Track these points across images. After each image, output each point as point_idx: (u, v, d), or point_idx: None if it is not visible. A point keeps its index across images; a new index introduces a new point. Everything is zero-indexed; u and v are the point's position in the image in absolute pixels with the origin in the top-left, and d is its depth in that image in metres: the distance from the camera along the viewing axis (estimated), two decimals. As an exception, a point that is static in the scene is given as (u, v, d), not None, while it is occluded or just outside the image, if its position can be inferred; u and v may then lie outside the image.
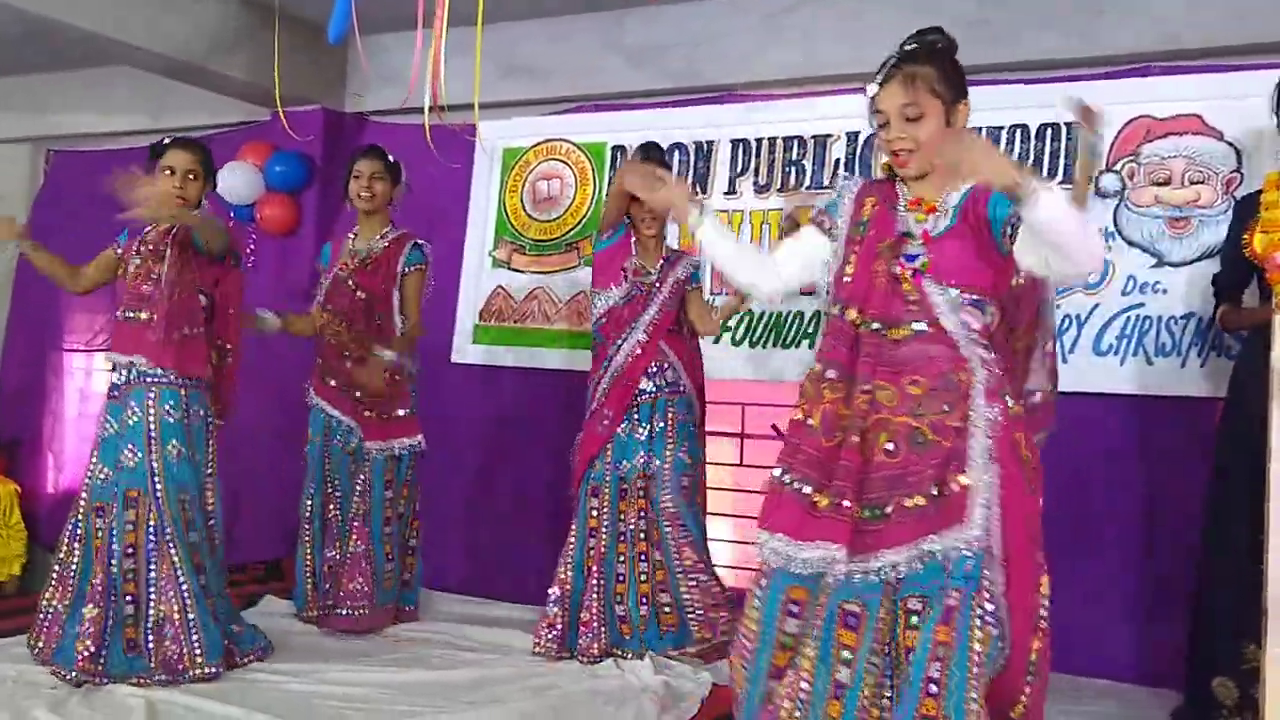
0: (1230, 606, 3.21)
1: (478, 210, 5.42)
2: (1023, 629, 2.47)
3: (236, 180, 5.57)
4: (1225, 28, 4.10)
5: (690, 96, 5.05)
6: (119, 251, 3.95)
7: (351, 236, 4.46)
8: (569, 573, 4.10)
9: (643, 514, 4.08)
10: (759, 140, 4.84)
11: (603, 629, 3.99)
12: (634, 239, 4.20)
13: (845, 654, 2.41)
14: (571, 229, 5.22)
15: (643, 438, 4.12)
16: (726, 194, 4.87)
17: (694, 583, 4.03)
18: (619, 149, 5.13)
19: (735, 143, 4.87)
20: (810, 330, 4.64)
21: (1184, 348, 4.06)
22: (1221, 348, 3.98)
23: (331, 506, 4.42)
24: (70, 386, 6.61)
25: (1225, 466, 3.34)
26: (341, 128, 5.73)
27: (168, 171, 3.76)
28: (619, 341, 4.12)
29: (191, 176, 3.79)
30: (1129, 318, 4.16)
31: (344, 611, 4.25)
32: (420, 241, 4.42)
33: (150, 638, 3.51)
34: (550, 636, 4.04)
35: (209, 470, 3.76)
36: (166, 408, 3.66)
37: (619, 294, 4.14)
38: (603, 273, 4.18)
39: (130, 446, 3.62)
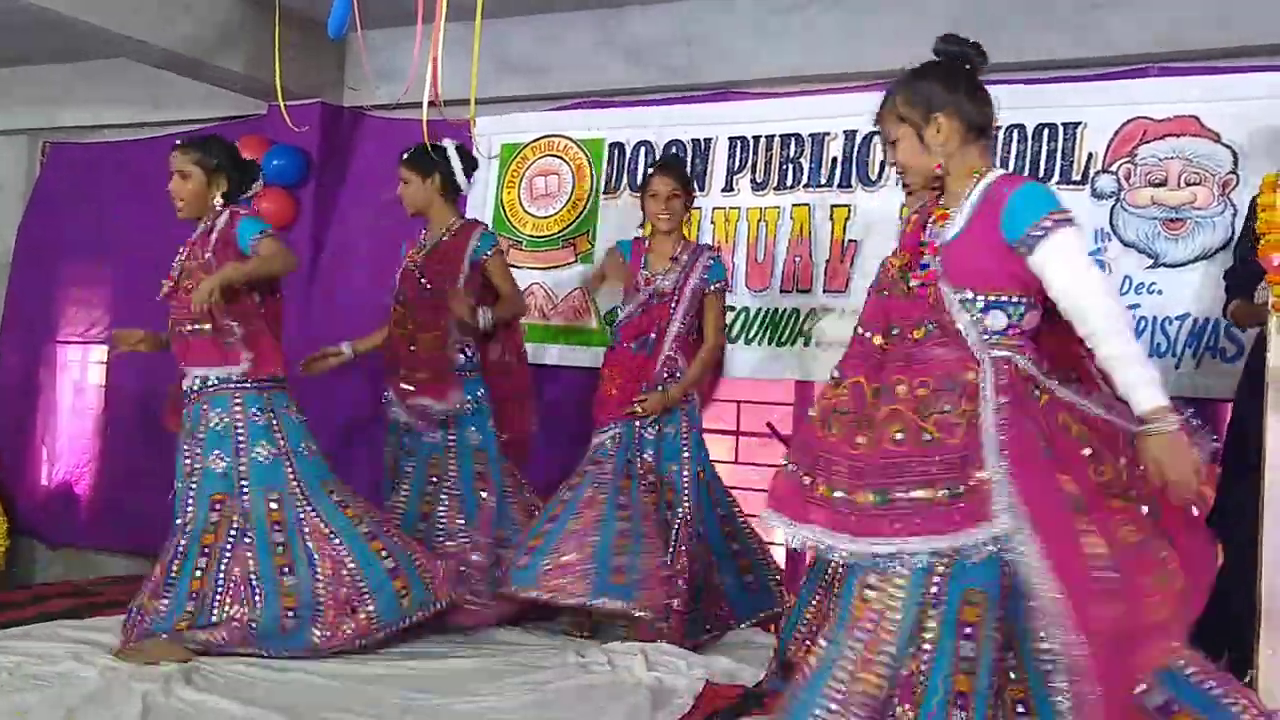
0: (1240, 608, 3.21)
1: (475, 206, 5.41)
2: (1080, 602, 2.32)
3: (234, 174, 5.56)
4: (1223, 29, 4.11)
5: (688, 94, 5.05)
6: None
7: (425, 231, 4.46)
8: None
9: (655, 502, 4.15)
10: (757, 138, 4.84)
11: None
12: (646, 245, 4.27)
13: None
14: (568, 225, 5.22)
15: (651, 436, 4.19)
16: (724, 191, 4.87)
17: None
18: (616, 145, 5.14)
19: (733, 140, 4.88)
20: (805, 328, 4.65)
21: (1179, 348, 4.07)
22: (1217, 349, 4.00)
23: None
24: (64, 380, 6.60)
25: (1233, 467, 3.34)
26: (339, 122, 5.72)
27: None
28: (634, 345, 4.21)
29: (181, 176, 3.80)
30: (1124, 318, 4.17)
31: None
32: (487, 228, 4.47)
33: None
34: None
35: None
36: (253, 411, 3.81)
37: (633, 305, 4.22)
38: None
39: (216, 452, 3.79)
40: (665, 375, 4.18)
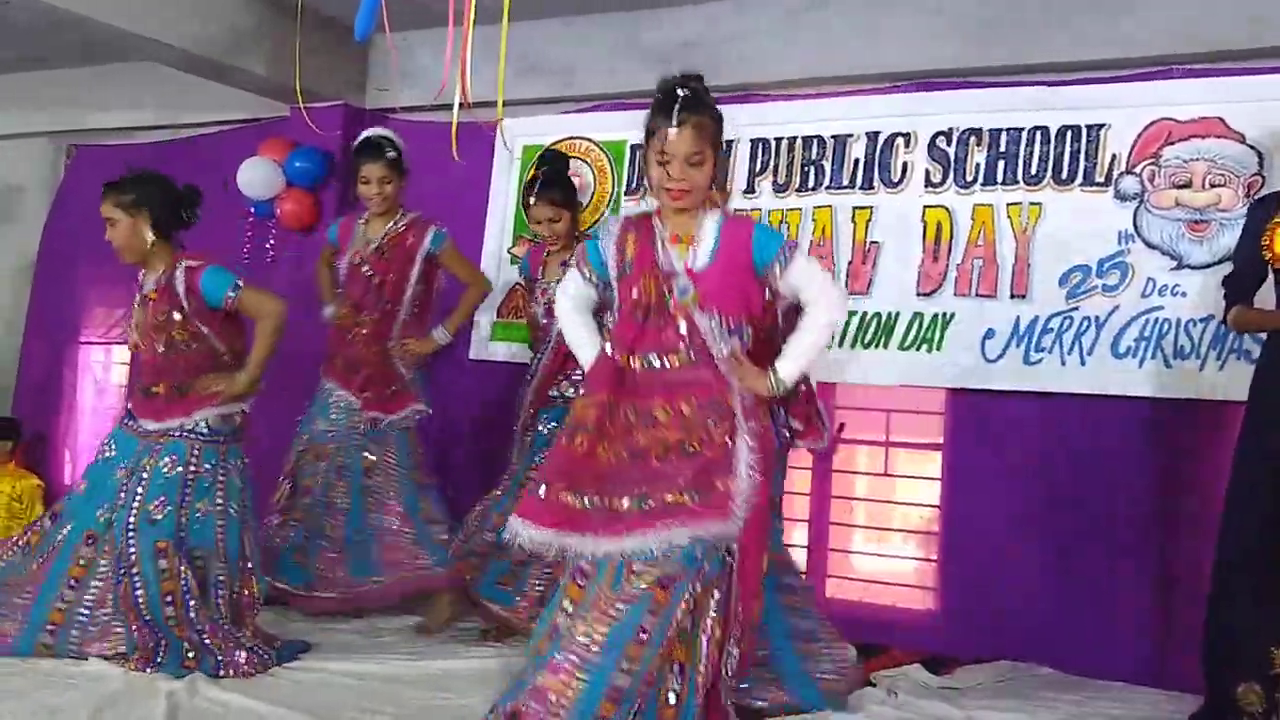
0: (1253, 611, 3.20)
1: (496, 207, 5.43)
2: (749, 604, 2.91)
3: (256, 176, 5.60)
4: (1247, 30, 4.09)
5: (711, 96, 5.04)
6: None
7: (363, 222, 4.51)
8: None
9: None
10: (778, 140, 4.84)
11: None
12: (546, 251, 4.39)
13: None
14: (590, 227, 5.21)
15: None
16: (745, 193, 4.87)
17: None
18: (639, 148, 5.12)
19: (754, 142, 4.87)
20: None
21: (1203, 351, 4.05)
22: (1241, 351, 3.97)
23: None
24: (87, 380, 6.64)
25: (1246, 470, 3.33)
26: (361, 124, 5.71)
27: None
28: (539, 354, 4.34)
29: (110, 224, 3.70)
30: (1148, 320, 4.15)
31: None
32: (435, 225, 4.50)
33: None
34: None
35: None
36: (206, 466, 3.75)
37: (541, 312, 4.33)
38: None
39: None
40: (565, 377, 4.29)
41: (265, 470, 4.98)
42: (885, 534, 4.84)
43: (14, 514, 5.98)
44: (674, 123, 2.83)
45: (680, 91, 2.85)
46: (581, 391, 3.04)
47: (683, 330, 2.87)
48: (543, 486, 2.87)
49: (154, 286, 3.72)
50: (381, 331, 4.44)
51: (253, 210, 5.75)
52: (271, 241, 5.80)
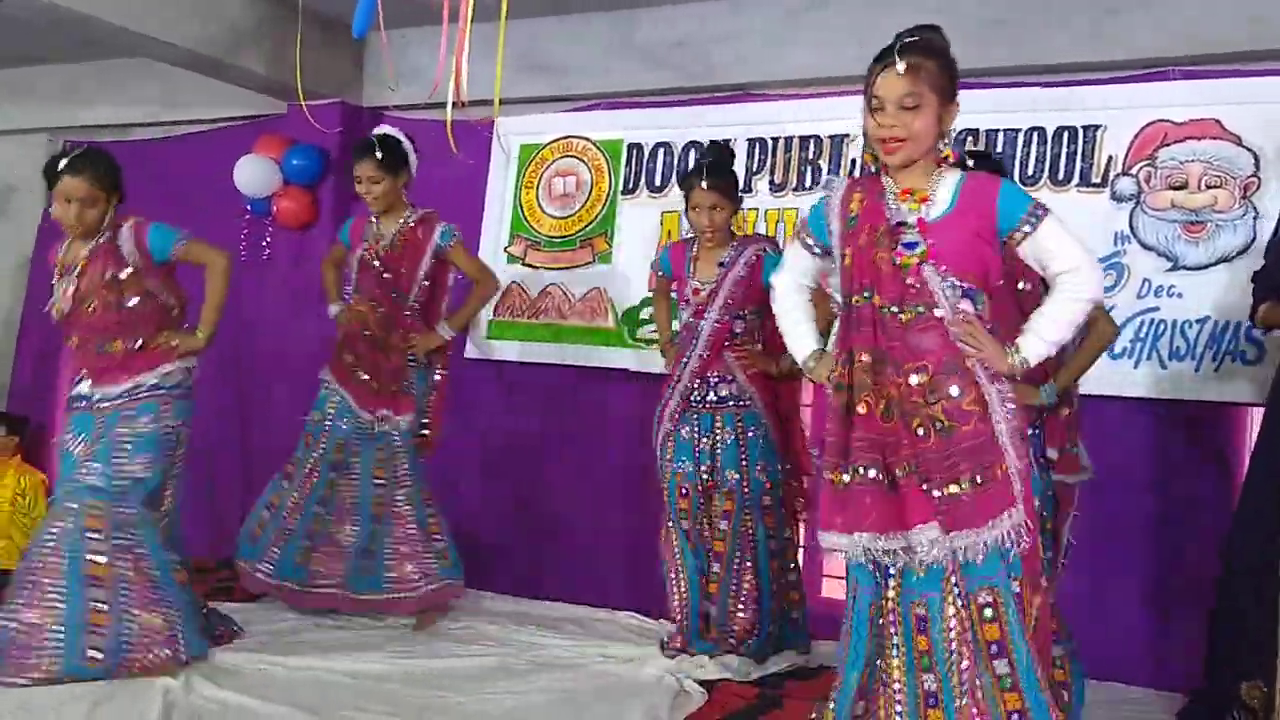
0: (1260, 610, 3.20)
1: (493, 206, 5.43)
2: (1030, 591, 2.59)
3: (253, 173, 5.59)
4: (1244, 32, 4.09)
5: (707, 95, 5.06)
6: None
7: (374, 219, 4.51)
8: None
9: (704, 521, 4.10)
10: (775, 139, 4.84)
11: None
12: (690, 253, 4.16)
13: (922, 659, 2.52)
14: (587, 225, 5.23)
15: (705, 448, 4.08)
16: (743, 192, 4.85)
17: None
18: (635, 146, 5.14)
19: (752, 142, 4.88)
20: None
21: (1198, 352, 4.06)
22: (1236, 353, 3.98)
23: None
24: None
25: (1262, 470, 3.33)
26: (359, 121, 5.73)
27: (63, 200, 3.67)
28: (684, 357, 4.10)
29: (87, 204, 3.66)
30: (1143, 321, 4.16)
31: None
32: (445, 222, 4.51)
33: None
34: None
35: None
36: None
37: (686, 315, 4.15)
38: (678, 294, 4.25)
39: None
40: (704, 380, 4.09)
41: (263, 468, 5.00)
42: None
43: (18, 508, 5.97)
44: (884, 64, 2.57)
45: (902, 39, 2.59)
46: (833, 350, 2.73)
47: (910, 285, 2.56)
48: (834, 474, 2.60)
49: (91, 249, 3.72)
50: (390, 325, 4.44)
51: (249, 208, 5.74)
52: (268, 239, 5.79)
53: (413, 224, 4.46)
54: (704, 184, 4.00)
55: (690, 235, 4.24)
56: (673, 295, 4.31)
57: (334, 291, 4.64)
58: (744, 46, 4.94)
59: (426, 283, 4.49)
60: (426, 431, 4.57)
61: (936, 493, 2.49)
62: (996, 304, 2.68)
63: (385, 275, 4.44)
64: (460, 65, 3.22)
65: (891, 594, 2.57)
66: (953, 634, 2.48)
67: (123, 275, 3.70)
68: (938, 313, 2.55)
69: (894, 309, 2.57)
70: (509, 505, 5.26)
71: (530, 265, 5.32)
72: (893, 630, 2.55)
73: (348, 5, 3.76)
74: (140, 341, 3.73)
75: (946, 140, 2.63)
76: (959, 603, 2.49)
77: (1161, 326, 4.12)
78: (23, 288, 6.76)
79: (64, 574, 3.48)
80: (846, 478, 2.58)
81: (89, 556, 3.51)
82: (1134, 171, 4.22)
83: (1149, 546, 4.13)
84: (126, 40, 4.90)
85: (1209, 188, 4.10)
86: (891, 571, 2.57)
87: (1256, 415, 4.03)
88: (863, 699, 2.62)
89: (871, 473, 2.55)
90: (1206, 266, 4.08)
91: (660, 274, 4.32)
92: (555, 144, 5.34)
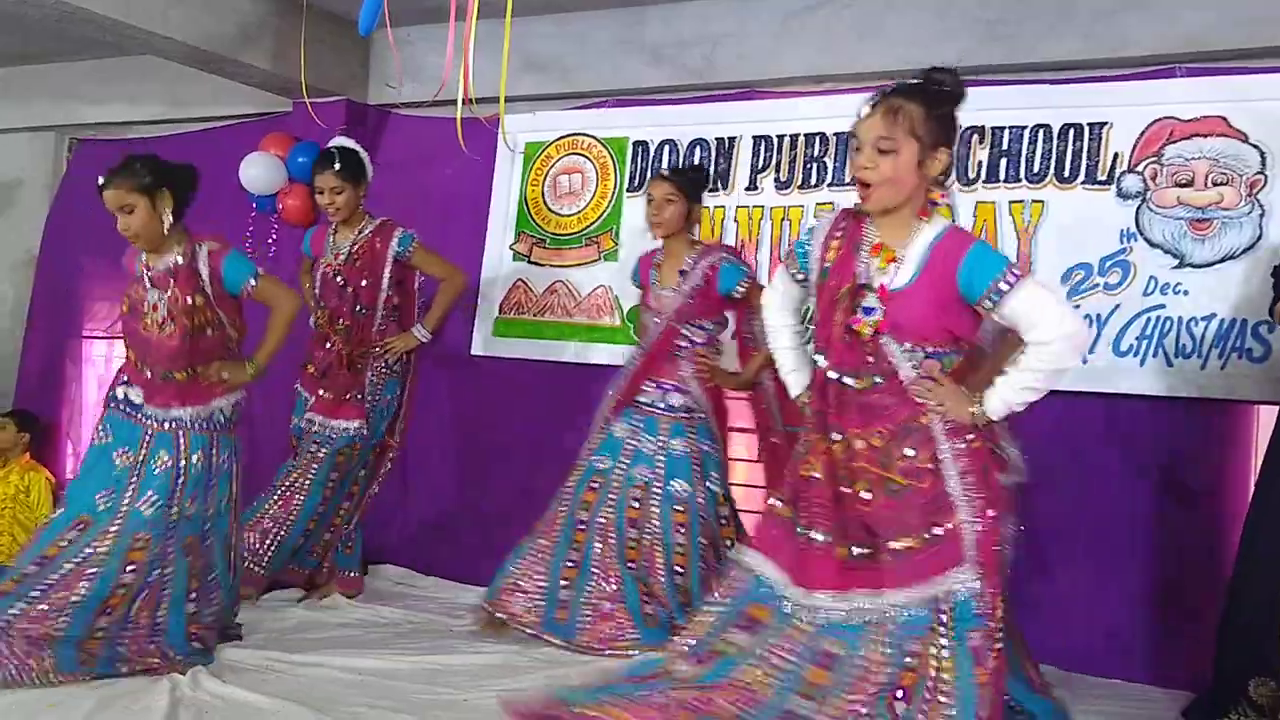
0: (1272, 609, 3.20)
1: (499, 204, 5.43)
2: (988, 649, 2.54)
3: (258, 171, 5.60)
4: (1250, 30, 4.08)
5: (712, 93, 5.05)
6: None
7: (332, 231, 4.57)
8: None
9: (633, 524, 4.06)
10: (780, 137, 4.84)
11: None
12: (655, 260, 4.23)
13: (811, 689, 2.52)
14: (592, 223, 5.23)
15: (647, 452, 4.09)
16: (748, 190, 4.87)
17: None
18: (640, 144, 5.14)
19: (757, 139, 4.87)
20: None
21: (1205, 349, 4.05)
22: (1243, 349, 3.98)
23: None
24: (89, 373, 6.65)
25: (1276, 471, 3.33)
26: (364, 119, 5.74)
27: (111, 214, 3.57)
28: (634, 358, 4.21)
29: (126, 211, 3.54)
30: (1149, 318, 4.15)
31: None
32: (402, 228, 4.51)
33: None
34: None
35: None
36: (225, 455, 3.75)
37: (650, 317, 4.21)
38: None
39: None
40: (658, 385, 4.10)
41: (268, 466, 5.01)
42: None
43: (23, 505, 5.99)
44: (867, 105, 2.56)
45: (902, 83, 2.58)
46: (809, 415, 2.73)
47: (869, 350, 2.58)
48: (785, 512, 2.67)
49: (170, 268, 3.59)
50: (357, 339, 4.48)
51: (255, 205, 5.75)
52: (274, 237, 5.80)
53: (369, 234, 4.48)
54: (660, 176, 4.14)
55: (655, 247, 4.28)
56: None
57: (311, 302, 4.63)
58: (749, 44, 4.94)
59: (393, 291, 4.52)
60: (389, 438, 4.65)
61: (883, 553, 2.54)
62: (965, 354, 2.67)
63: (346, 289, 4.46)
64: (467, 63, 3.23)
65: (804, 624, 2.59)
66: (858, 676, 2.49)
67: (198, 301, 3.58)
68: (900, 374, 2.56)
69: (848, 379, 2.61)
70: (513, 503, 5.26)
71: (536, 263, 5.32)
72: (785, 653, 2.57)
73: (353, 2, 3.77)
74: (195, 372, 3.63)
75: (935, 188, 2.62)
76: (884, 650, 2.50)
77: (1168, 324, 4.11)
78: (29, 283, 6.77)
79: (85, 597, 3.39)
80: (797, 525, 2.64)
81: (117, 588, 3.45)
82: (1140, 169, 4.21)
83: (1155, 544, 4.12)
84: (132, 37, 4.91)
85: (1215, 185, 4.09)
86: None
87: (1264, 413, 4.03)
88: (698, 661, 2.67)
89: (817, 536, 2.61)
90: (1213, 264, 4.07)
91: (636, 287, 4.40)
92: (561, 142, 5.34)
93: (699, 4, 5.02)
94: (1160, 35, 4.23)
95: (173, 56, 5.25)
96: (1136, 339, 4.15)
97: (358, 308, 4.47)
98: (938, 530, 2.50)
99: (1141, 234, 4.19)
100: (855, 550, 2.57)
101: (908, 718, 2.44)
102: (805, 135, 4.80)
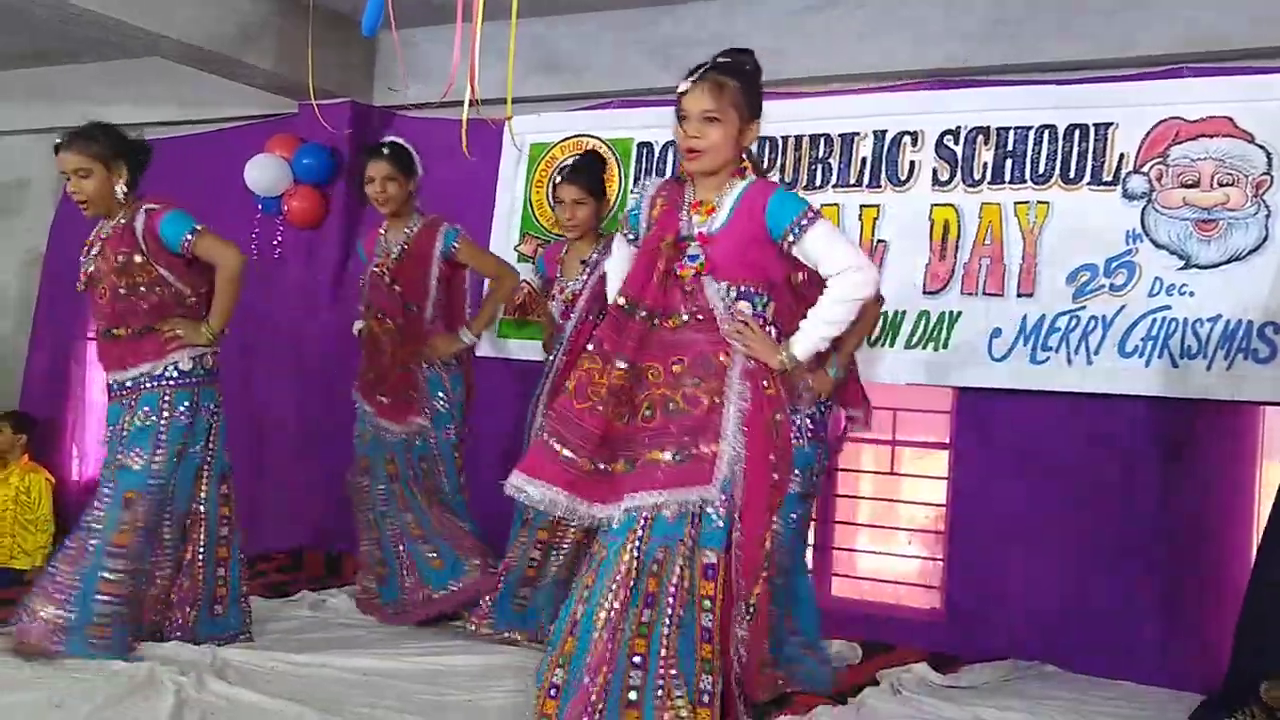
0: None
1: (504, 205, 5.44)
2: (748, 579, 2.83)
3: (264, 172, 5.61)
4: (1257, 30, 4.08)
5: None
6: None
7: (383, 232, 4.50)
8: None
9: None
10: (785, 138, 4.84)
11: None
12: (561, 254, 4.37)
13: (585, 592, 2.83)
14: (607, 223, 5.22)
15: None
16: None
17: None
18: (645, 145, 5.14)
19: (762, 140, 4.86)
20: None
21: (1210, 350, 4.04)
22: (1249, 350, 3.97)
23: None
24: (94, 376, 6.65)
25: None
26: (369, 121, 5.75)
27: (63, 176, 3.65)
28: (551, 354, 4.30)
29: (81, 175, 3.62)
30: (1155, 320, 4.14)
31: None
32: (448, 224, 4.46)
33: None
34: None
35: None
36: (180, 409, 3.75)
37: (557, 310, 4.31)
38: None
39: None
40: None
41: (273, 465, 5.01)
42: (891, 533, 4.84)
43: (22, 506, 5.99)
44: (692, 80, 2.82)
45: (714, 59, 2.85)
46: (590, 347, 2.95)
47: (687, 291, 2.82)
48: (551, 439, 2.83)
49: (110, 231, 3.68)
50: (408, 338, 4.40)
51: (260, 207, 5.76)
52: (279, 238, 5.81)
53: (418, 231, 4.42)
54: (566, 180, 4.26)
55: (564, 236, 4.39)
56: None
57: (363, 308, 4.58)
58: (753, 45, 4.89)
59: (440, 287, 4.44)
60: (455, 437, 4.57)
61: (634, 464, 2.80)
62: (777, 299, 2.94)
63: (396, 288, 4.39)
64: (474, 64, 3.23)
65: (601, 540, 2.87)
66: (616, 578, 2.76)
67: (136, 259, 3.63)
68: (712, 313, 2.80)
69: (659, 318, 2.83)
70: (515, 504, 5.26)
71: (540, 264, 5.32)
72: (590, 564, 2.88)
73: (357, 3, 3.77)
74: (146, 329, 3.67)
75: (746, 154, 2.94)
76: (633, 553, 2.76)
77: (1173, 325, 4.11)
78: (34, 284, 6.78)
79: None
80: (559, 448, 2.83)
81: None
82: (1146, 169, 4.20)
83: (1162, 545, 4.11)
84: (136, 37, 4.92)
85: (1221, 186, 4.09)
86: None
87: (1270, 413, 4.03)
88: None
89: (579, 459, 2.81)
90: (1219, 265, 4.06)
91: (540, 278, 4.52)
92: (566, 143, 5.35)
93: (704, 4, 5.03)
94: (1166, 35, 4.22)
95: (178, 57, 5.26)
96: (1142, 340, 4.14)
97: (407, 305, 4.39)
98: (694, 451, 2.75)
99: (1147, 235, 4.19)
100: (602, 465, 2.82)
101: (649, 621, 2.71)
102: (810, 136, 4.80)
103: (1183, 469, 4.10)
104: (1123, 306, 4.18)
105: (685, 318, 2.82)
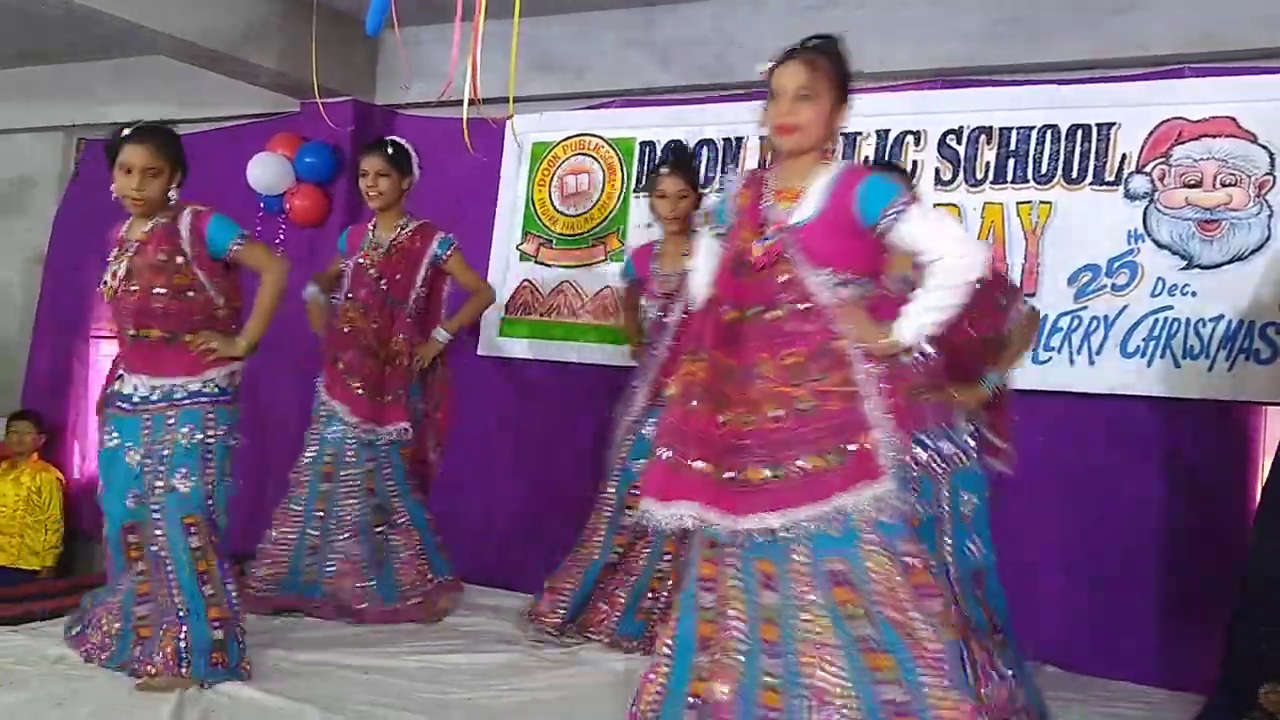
0: None
1: (505, 204, 5.44)
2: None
3: (266, 171, 5.61)
4: (1259, 30, 4.07)
5: (720, 93, 5.05)
6: None
7: (371, 227, 4.51)
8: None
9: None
10: (788, 137, 4.83)
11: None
12: (655, 246, 4.27)
13: (767, 612, 2.64)
14: (599, 224, 5.23)
15: None
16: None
17: None
18: (647, 145, 5.15)
19: (761, 140, 4.87)
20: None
21: (1212, 351, 4.04)
22: (1250, 351, 3.97)
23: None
24: (97, 374, 6.65)
25: None
26: (371, 119, 5.75)
27: (124, 170, 3.49)
28: (653, 351, 4.15)
29: (151, 174, 3.47)
30: (1157, 320, 4.14)
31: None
32: (443, 232, 4.48)
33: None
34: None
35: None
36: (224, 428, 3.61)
37: (653, 311, 4.21)
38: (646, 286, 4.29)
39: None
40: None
41: (274, 465, 5.01)
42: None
43: (33, 505, 6.00)
44: (784, 59, 2.74)
45: (806, 41, 2.78)
46: (691, 347, 2.80)
47: (781, 281, 2.67)
48: (667, 453, 2.69)
49: (149, 229, 3.53)
50: (384, 334, 4.43)
51: (263, 205, 5.76)
52: (281, 236, 5.81)
53: (410, 232, 4.44)
54: (668, 172, 4.18)
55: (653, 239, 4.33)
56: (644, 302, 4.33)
57: (344, 300, 4.53)
58: (757, 44, 4.91)
59: (423, 291, 4.48)
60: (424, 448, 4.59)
61: (782, 470, 2.61)
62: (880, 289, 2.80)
63: (381, 282, 4.41)
64: (475, 63, 3.23)
65: (731, 558, 2.70)
66: (800, 594, 2.59)
67: (177, 260, 3.48)
68: (815, 300, 2.65)
69: (760, 310, 2.69)
70: (520, 503, 5.27)
71: (542, 263, 5.33)
72: (733, 583, 2.68)
73: (361, 2, 3.77)
74: (175, 335, 3.51)
75: (835, 140, 2.81)
76: (805, 567, 2.59)
77: (1175, 325, 4.11)
78: (37, 283, 6.79)
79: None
80: (679, 459, 2.68)
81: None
82: (1148, 170, 4.20)
83: (1164, 546, 4.11)
84: (140, 36, 4.92)
85: (1224, 186, 4.08)
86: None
87: (1271, 413, 4.02)
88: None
89: (699, 464, 2.66)
90: (1221, 265, 4.06)
91: (628, 281, 4.44)
92: (568, 142, 5.35)
93: (708, 4, 5.02)
94: (1169, 35, 4.22)
95: (181, 56, 5.26)
96: (1144, 340, 4.14)
97: (387, 300, 4.42)
98: (851, 447, 2.58)
99: (1149, 235, 4.18)
100: (731, 475, 2.65)
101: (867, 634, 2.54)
102: (813, 135, 4.79)
103: (1184, 469, 4.10)
104: (1125, 306, 4.18)
105: (783, 310, 2.67)
